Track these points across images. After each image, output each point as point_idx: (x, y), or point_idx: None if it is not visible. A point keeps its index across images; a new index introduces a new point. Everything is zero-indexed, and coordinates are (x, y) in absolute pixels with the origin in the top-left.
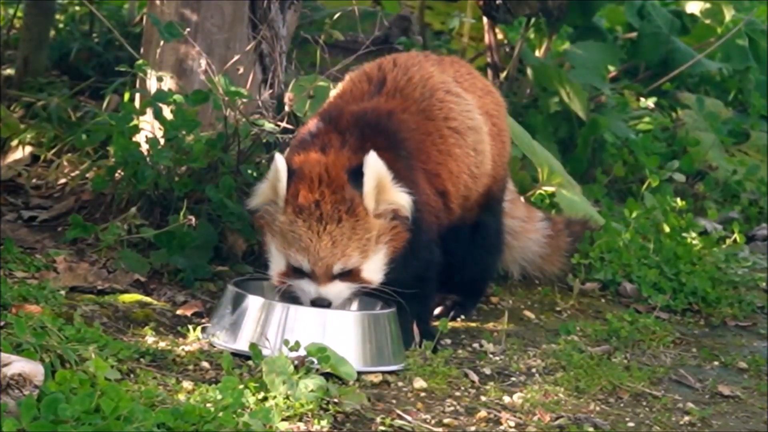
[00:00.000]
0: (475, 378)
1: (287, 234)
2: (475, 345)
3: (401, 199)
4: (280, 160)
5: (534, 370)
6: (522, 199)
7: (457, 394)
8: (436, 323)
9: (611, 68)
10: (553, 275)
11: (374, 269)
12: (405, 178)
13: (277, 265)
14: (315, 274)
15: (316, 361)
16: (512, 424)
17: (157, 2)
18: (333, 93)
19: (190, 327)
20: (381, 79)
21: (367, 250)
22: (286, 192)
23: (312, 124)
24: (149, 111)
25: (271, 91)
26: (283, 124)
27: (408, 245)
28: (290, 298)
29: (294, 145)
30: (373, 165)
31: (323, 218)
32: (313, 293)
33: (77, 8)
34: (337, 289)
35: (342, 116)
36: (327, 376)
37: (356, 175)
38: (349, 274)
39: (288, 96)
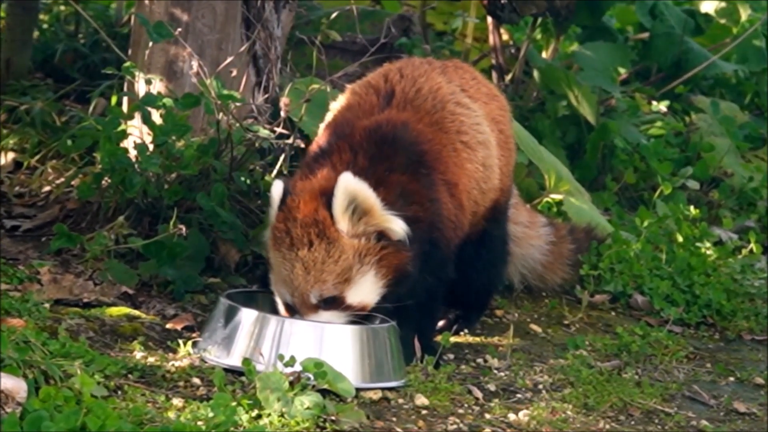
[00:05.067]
0: (479, 395)
1: (273, 268)
2: (479, 360)
3: (388, 222)
4: (276, 186)
5: (541, 386)
6: (527, 206)
7: (461, 411)
8: (438, 337)
9: (622, 70)
10: (555, 285)
11: (363, 292)
12: (424, 197)
13: (279, 303)
14: (296, 306)
15: (312, 377)
16: None
17: (146, 1)
18: (336, 105)
19: (181, 341)
20: (389, 91)
21: (345, 274)
22: (273, 221)
23: (323, 140)
24: (137, 115)
25: (265, 94)
26: (278, 130)
27: (425, 263)
28: None
29: (305, 164)
30: (344, 186)
31: (294, 244)
32: None
33: (62, 8)
34: (323, 320)
35: (354, 131)
36: (324, 392)
37: (331, 196)
38: (333, 302)
39: (284, 100)
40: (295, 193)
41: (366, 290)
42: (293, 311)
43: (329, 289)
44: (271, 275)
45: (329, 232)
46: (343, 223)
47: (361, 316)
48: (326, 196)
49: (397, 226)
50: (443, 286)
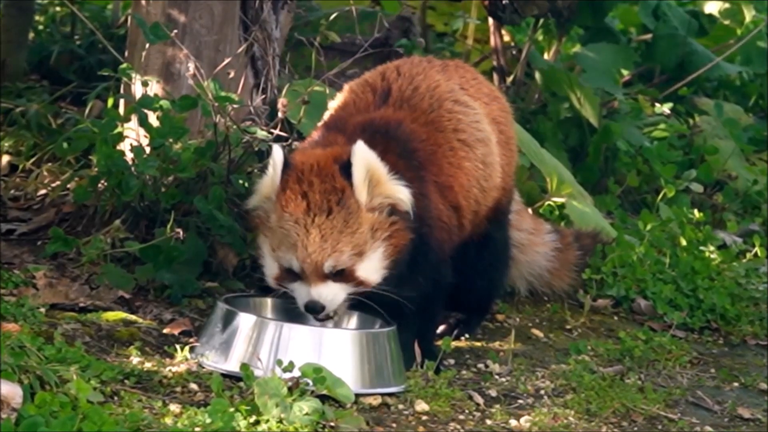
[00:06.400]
0: (480, 400)
1: (277, 231)
2: (480, 365)
3: (398, 192)
4: (277, 150)
5: (542, 391)
6: (529, 210)
7: (461, 417)
8: (438, 342)
9: (624, 72)
10: (562, 291)
11: (371, 268)
12: (415, 189)
13: (270, 268)
14: (305, 273)
15: (311, 383)
16: None
17: (143, 2)
18: (333, 104)
19: (178, 346)
20: (386, 89)
21: (361, 247)
22: (278, 184)
23: (316, 134)
24: (134, 117)
25: (263, 96)
26: (277, 132)
27: (415, 260)
28: (285, 311)
29: (297, 152)
30: (362, 154)
31: (311, 209)
32: (304, 296)
33: (58, 9)
34: (331, 291)
35: (347, 126)
36: (323, 398)
37: (347, 167)
38: (342, 274)
39: (281, 102)
40: (302, 160)
41: (374, 266)
42: (294, 278)
43: (344, 261)
44: (267, 237)
45: (350, 202)
46: (363, 193)
47: (360, 294)
48: (340, 163)
49: (404, 195)
50: (441, 290)
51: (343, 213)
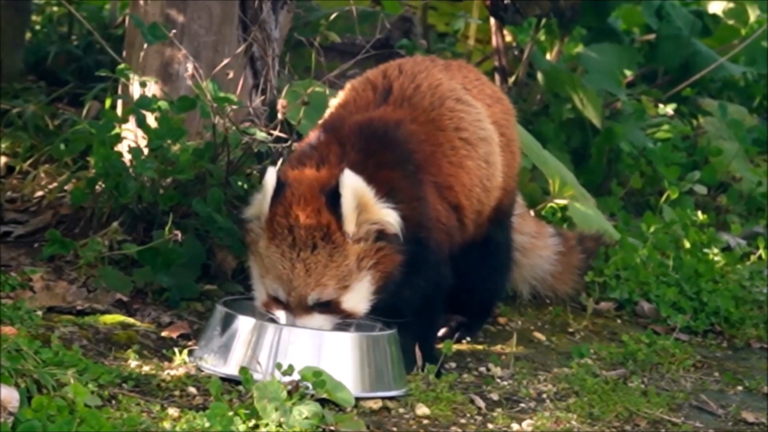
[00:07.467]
0: (482, 404)
1: (265, 259)
2: (482, 369)
3: (386, 216)
4: (270, 174)
5: (545, 395)
6: (531, 213)
7: (463, 421)
8: (439, 345)
9: (628, 72)
10: (566, 294)
11: (357, 299)
12: (411, 195)
13: (259, 293)
14: (290, 305)
15: (310, 386)
16: None
17: (141, 2)
18: (334, 102)
19: (176, 350)
20: (387, 87)
21: (346, 279)
22: (268, 211)
23: (313, 135)
24: (132, 119)
25: (262, 97)
26: (276, 133)
27: (414, 264)
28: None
29: (293, 158)
30: (350, 184)
31: (296, 244)
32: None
33: (55, 9)
34: (315, 323)
35: (344, 126)
36: (323, 402)
37: (334, 196)
38: (328, 306)
39: (281, 102)
40: (292, 186)
41: (360, 296)
42: (280, 306)
43: (329, 294)
44: (256, 262)
45: (335, 237)
46: (351, 224)
47: (348, 323)
48: (326, 194)
49: (393, 218)
50: (441, 292)
51: (328, 248)
